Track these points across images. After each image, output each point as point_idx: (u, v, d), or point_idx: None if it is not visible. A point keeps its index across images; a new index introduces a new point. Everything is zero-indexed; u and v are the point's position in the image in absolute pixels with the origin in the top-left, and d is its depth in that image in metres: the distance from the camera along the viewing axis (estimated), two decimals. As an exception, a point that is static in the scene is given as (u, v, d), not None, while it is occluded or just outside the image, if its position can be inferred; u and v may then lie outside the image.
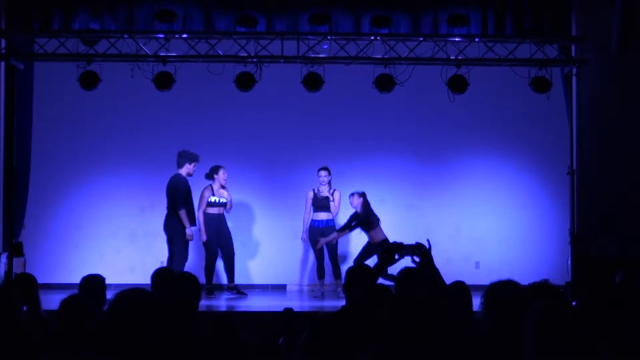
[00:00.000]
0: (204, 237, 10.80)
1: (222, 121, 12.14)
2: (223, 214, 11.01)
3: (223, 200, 10.94)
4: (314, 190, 11.17)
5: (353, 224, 10.94)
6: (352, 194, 11.01)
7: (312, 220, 11.10)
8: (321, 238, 10.94)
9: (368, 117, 12.14)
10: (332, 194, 11.08)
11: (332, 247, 10.96)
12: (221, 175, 10.97)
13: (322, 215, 11.06)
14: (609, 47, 10.38)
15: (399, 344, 3.33)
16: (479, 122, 12.20)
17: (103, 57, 10.45)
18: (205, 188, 10.95)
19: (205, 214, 10.87)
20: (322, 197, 11.08)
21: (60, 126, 12.08)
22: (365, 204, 10.91)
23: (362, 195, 10.96)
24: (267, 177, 12.17)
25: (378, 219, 10.91)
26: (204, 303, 10.07)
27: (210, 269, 10.86)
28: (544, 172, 12.15)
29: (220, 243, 10.87)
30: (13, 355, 3.91)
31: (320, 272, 11.06)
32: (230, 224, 11.14)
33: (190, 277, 4.90)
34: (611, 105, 10.44)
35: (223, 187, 11.00)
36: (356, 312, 4.32)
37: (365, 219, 10.88)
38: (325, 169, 11.15)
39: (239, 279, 11.15)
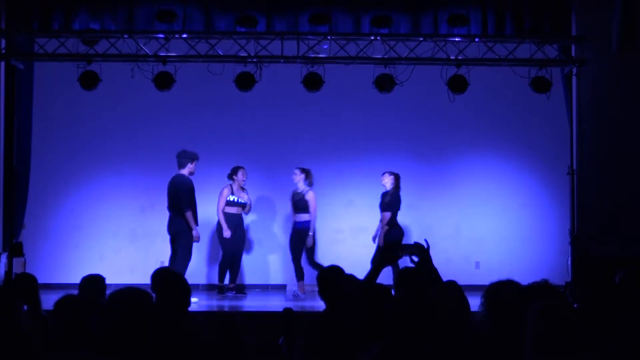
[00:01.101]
0: (228, 234, 10.77)
1: (222, 121, 12.14)
2: (241, 214, 11.02)
3: (242, 200, 10.95)
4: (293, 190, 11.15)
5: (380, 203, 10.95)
6: (384, 173, 10.99)
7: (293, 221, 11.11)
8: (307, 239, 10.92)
9: (368, 117, 12.14)
10: (306, 195, 11.02)
11: (310, 249, 10.91)
12: (240, 176, 10.97)
13: (300, 217, 11.00)
14: (609, 47, 10.38)
15: (399, 344, 3.33)
16: (479, 122, 12.20)
17: (103, 57, 10.45)
18: (225, 187, 10.96)
19: (224, 213, 10.86)
20: (297, 198, 11.04)
21: (60, 126, 12.08)
22: (397, 185, 10.90)
23: (395, 174, 10.94)
24: (268, 177, 12.17)
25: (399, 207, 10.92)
26: (214, 303, 10.10)
27: (224, 269, 10.84)
28: (544, 172, 12.15)
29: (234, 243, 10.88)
30: (13, 355, 3.91)
31: (298, 274, 10.96)
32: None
33: (183, 278, 4.96)
34: (611, 105, 10.45)
35: (243, 188, 10.99)
36: (350, 312, 4.33)
37: (393, 197, 10.85)
38: (299, 168, 11.10)
39: (239, 279, 11.15)
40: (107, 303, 3.46)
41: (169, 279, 5.08)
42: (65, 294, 4.87)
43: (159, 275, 5.69)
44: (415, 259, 4.25)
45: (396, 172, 10.99)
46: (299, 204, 10.96)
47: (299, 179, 11.01)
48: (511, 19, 10.61)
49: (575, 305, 4.16)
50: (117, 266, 11.51)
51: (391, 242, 10.35)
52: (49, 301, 6.12)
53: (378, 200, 11.35)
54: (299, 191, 11.03)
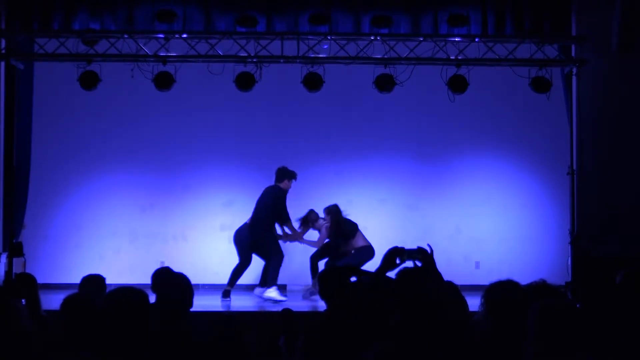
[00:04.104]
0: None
1: (222, 121, 12.13)
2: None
3: None
4: None
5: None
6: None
7: None
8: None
9: (368, 117, 12.14)
10: None
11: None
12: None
13: None
14: (609, 47, 10.41)
15: (400, 344, 3.33)
16: (479, 122, 12.20)
17: (103, 57, 10.45)
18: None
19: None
20: None
21: (60, 126, 12.08)
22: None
23: (328, 212, 10.85)
24: (268, 177, 12.10)
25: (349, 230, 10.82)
26: (214, 303, 10.09)
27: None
28: (544, 172, 12.15)
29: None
30: (13, 355, 3.91)
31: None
32: (231, 224, 11.16)
33: (185, 277, 4.95)
34: (611, 105, 10.47)
35: None
36: (351, 313, 4.34)
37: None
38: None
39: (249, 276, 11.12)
40: (103, 303, 3.47)
41: (170, 279, 5.07)
42: (72, 293, 4.86)
43: (159, 275, 5.69)
44: (418, 263, 4.25)
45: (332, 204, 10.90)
46: None
47: None
48: (511, 19, 10.62)
49: (577, 305, 4.16)
50: (117, 266, 11.51)
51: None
52: (49, 301, 6.13)
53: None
54: None
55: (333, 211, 10.77)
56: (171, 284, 4.92)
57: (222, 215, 12.02)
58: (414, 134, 12.28)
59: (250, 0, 10.54)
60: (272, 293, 10.36)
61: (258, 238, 10.52)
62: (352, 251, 10.71)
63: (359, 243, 10.72)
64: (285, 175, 10.65)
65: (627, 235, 10.18)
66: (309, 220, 10.89)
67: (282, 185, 10.65)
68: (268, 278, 10.50)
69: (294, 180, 10.70)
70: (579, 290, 9.75)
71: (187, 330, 4.35)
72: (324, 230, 10.88)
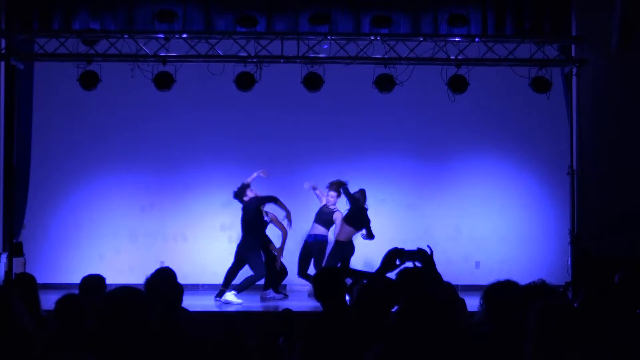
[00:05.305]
0: None
1: (222, 121, 12.14)
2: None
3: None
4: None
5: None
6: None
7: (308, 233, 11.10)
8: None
9: (368, 117, 12.14)
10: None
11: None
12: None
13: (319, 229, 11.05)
14: (609, 47, 10.40)
15: (401, 344, 3.33)
16: (479, 122, 12.20)
17: (103, 57, 10.46)
18: None
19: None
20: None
21: (60, 126, 12.09)
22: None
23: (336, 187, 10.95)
24: (268, 178, 12.14)
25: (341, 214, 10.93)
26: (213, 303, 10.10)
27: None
28: (544, 172, 12.16)
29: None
30: (13, 355, 3.91)
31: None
32: (231, 224, 11.16)
33: (174, 278, 4.98)
34: (611, 104, 10.47)
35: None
36: (347, 313, 4.34)
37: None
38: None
39: (239, 279, 11.14)
40: (103, 303, 3.47)
41: (161, 279, 5.10)
42: (67, 293, 4.86)
43: (153, 275, 5.71)
44: (418, 264, 4.25)
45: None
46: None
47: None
48: (511, 19, 10.62)
49: (575, 305, 4.16)
50: (117, 266, 11.51)
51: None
52: (49, 301, 6.12)
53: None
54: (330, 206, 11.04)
55: (358, 197, 10.88)
56: (158, 281, 4.96)
57: (222, 215, 12.03)
58: (414, 134, 12.28)
59: (250, 0, 10.54)
60: (229, 296, 10.39)
61: (246, 254, 10.63)
62: (343, 239, 10.77)
63: (343, 236, 10.78)
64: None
65: (627, 235, 10.18)
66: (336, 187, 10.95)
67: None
68: (227, 281, 10.61)
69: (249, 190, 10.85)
70: (579, 290, 9.76)
71: (186, 330, 4.36)
72: (339, 221, 10.90)
